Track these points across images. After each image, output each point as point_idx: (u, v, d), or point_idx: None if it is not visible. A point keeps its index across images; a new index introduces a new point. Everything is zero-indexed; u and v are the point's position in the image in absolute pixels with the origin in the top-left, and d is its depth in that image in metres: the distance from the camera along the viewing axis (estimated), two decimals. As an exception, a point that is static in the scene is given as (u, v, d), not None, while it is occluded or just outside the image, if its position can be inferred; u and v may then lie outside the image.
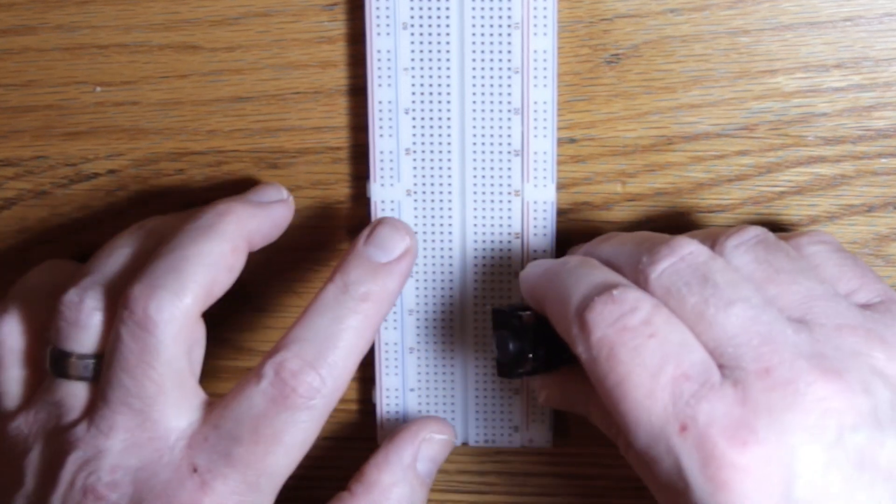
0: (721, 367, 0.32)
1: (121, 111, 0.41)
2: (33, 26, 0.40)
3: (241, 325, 0.40)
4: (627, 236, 0.37)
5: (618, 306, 0.33)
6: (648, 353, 0.32)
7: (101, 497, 0.35)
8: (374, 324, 0.37)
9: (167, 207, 0.41)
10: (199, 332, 0.37)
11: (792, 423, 0.31)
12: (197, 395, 0.36)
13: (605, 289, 0.33)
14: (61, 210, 0.42)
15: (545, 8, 0.38)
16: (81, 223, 0.42)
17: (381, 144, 0.40)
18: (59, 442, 0.36)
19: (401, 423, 0.41)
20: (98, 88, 0.41)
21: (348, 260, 0.37)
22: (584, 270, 0.35)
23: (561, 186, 0.40)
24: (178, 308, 0.35)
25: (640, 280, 0.34)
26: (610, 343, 0.32)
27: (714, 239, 0.35)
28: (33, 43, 0.41)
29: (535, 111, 0.39)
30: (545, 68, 0.39)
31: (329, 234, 0.42)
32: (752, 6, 0.39)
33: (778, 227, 0.40)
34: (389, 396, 0.42)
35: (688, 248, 0.34)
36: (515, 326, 0.37)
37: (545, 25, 0.39)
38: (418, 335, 0.41)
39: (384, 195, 0.40)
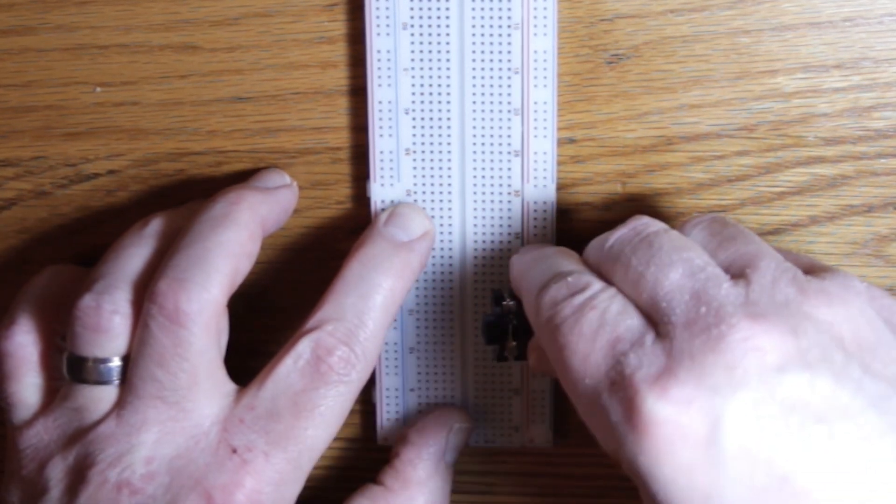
0: (656, 325, 0.32)
1: (121, 111, 0.41)
2: (33, 26, 0.40)
3: (241, 325, 0.40)
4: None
5: (567, 289, 0.34)
6: (586, 322, 0.33)
7: (138, 490, 0.35)
8: (398, 299, 0.38)
9: (167, 208, 0.41)
10: (225, 320, 0.38)
11: (713, 364, 0.30)
12: (227, 383, 0.37)
13: (562, 276, 0.34)
14: (61, 210, 0.42)
15: (545, 8, 0.38)
16: (81, 223, 0.42)
17: (381, 144, 0.40)
18: (85, 443, 0.36)
19: (413, 418, 0.42)
20: (98, 89, 0.41)
21: (369, 238, 0.39)
22: (553, 261, 0.36)
23: (561, 187, 0.40)
24: (206, 299, 0.36)
25: (601, 259, 0.35)
26: (555, 320, 0.33)
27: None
28: (33, 43, 0.41)
29: (535, 111, 0.39)
30: (545, 69, 0.39)
31: (329, 234, 0.42)
32: (752, 6, 0.39)
33: (778, 228, 0.40)
34: (389, 396, 0.42)
35: (641, 221, 0.35)
36: (498, 315, 0.38)
37: (545, 26, 0.39)
38: (418, 335, 0.41)
39: (384, 195, 0.40)
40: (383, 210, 0.40)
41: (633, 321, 0.32)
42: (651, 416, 0.30)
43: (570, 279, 0.34)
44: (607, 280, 0.34)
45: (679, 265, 0.33)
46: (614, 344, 0.32)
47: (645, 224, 0.35)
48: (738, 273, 0.33)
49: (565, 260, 0.36)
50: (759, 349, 0.30)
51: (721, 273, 0.33)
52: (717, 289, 0.32)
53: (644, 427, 0.30)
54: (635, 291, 0.33)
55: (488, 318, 0.39)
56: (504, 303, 0.38)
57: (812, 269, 0.33)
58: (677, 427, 0.30)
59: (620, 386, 0.31)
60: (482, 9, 0.39)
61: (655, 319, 0.32)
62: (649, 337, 0.32)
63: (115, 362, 0.37)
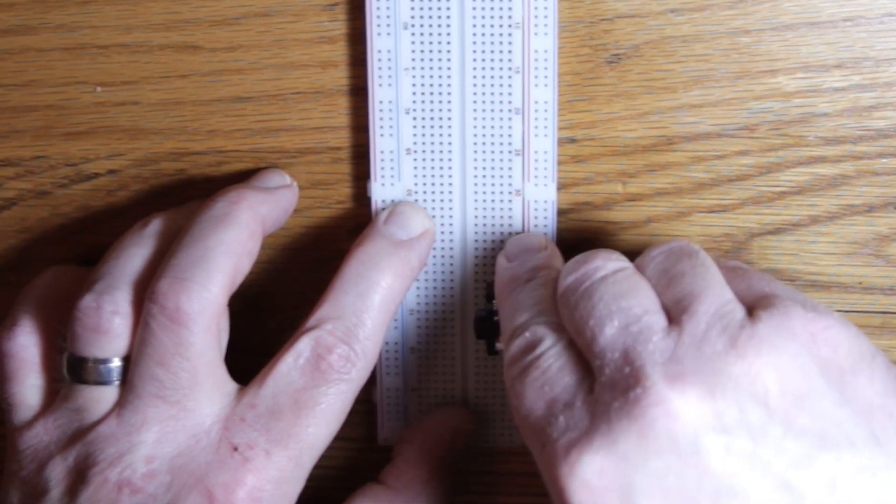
0: (594, 381, 0.32)
1: (121, 111, 0.41)
2: (34, 26, 0.40)
3: (241, 324, 0.40)
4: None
5: (524, 344, 0.34)
6: (529, 382, 0.33)
7: (138, 490, 0.35)
8: (397, 297, 0.38)
9: (168, 208, 0.41)
10: (225, 320, 0.38)
11: (626, 431, 0.30)
12: (227, 382, 0.37)
13: (523, 329, 0.35)
14: (62, 210, 0.42)
15: (546, 8, 0.38)
16: (82, 223, 0.42)
17: (381, 144, 0.40)
18: (85, 443, 0.36)
19: (415, 418, 0.42)
20: (98, 88, 0.41)
21: (369, 237, 0.39)
22: (525, 297, 0.36)
23: (561, 186, 0.40)
24: (207, 299, 0.36)
25: (558, 302, 0.35)
26: (510, 377, 0.34)
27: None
28: (34, 43, 0.41)
29: (536, 111, 0.39)
30: (546, 68, 0.39)
31: (329, 234, 0.42)
32: (752, 6, 0.39)
33: (778, 228, 0.40)
34: (390, 396, 0.42)
35: (593, 264, 0.34)
36: (490, 311, 0.39)
37: (546, 25, 0.39)
38: (419, 335, 0.41)
39: (385, 195, 0.40)
40: (383, 209, 0.40)
41: (569, 379, 0.32)
42: (566, 486, 0.30)
43: (527, 334, 0.34)
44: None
45: (616, 317, 0.32)
46: (551, 404, 0.32)
47: (595, 268, 0.34)
48: (677, 316, 0.32)
49: (538, 293, 0.36)
50: (672, 415, 0.30)
51: (656, 322, 0.32)
52: (646, 344, 0.31)
53: (562, 494, 0.30)
54: (581, 343, 0.33)
55: (480, 312, 0.39)
56: (494, 301, 0.38)
57: (759, 302, 0.32)
58: (591, 496, 0.30)
59: (546, 450, 0.31)
60: (483, 8, 0.39)
61: (595, 376, 0.32)
62: (580, 397, 0.31)
63: (115, 363, 0.37)
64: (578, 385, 0.32)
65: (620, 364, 0.31)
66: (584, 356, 0.33)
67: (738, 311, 0.32)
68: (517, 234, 0.40)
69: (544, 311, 0.35)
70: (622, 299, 0.33)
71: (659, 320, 0.32)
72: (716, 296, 0.32)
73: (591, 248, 0.40)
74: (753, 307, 0.32)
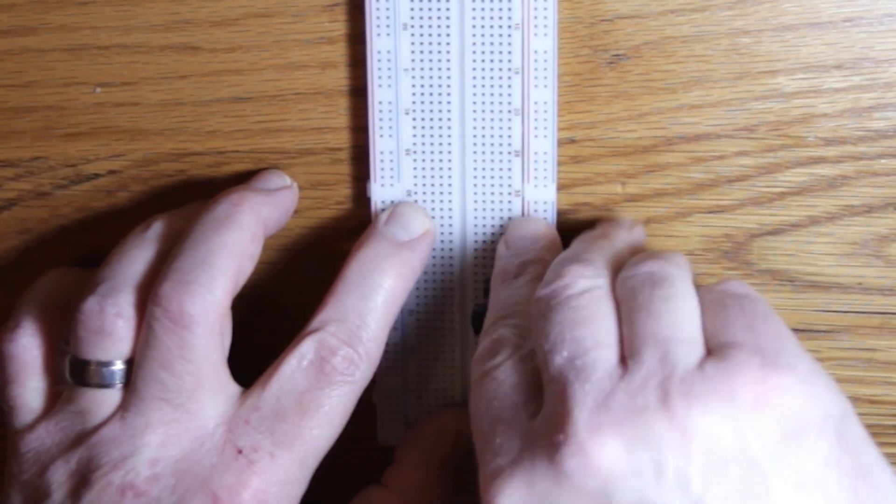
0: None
1: (121, 112, 0.41)
2: (34, 27, 0.40)
3: (243, 326, 0.40)
4: (579, 241, 0.38)
5: (491, 348, 0.34)
6: (483, 392, 0.33)
7: (142, 493, 0.35)
8: (399, 298, 0.38)
9: (168, 208, 0.41)
10: (228, 322, 0.38)
11: (545, 473, 0.30)
12: (230, 384, 0.37)
13: (492, 331, 0.35)
14: (62, 211, 0.42)
15: (545, 8, 0.38)
16: (82, 224, 0.42)
17: (381, 145, 0.40)
18: (88, 446, 0.36)
19: (416, 419, 0.42)
20: (98, 89, 0.41)
21: (370, 238, 0.39)
22: (504, 295, 0.36)
23: (561, 187, 0.40)
24: (210, 301, 0.36)
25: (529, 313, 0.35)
26: (473, 380, 0.34)
27: (620, 265, 0.35)
28: (33, 44, 0.41)
29: (536, 112, 0.39)
30: (545, 69, 0.39)
31: (330, 234, 0.42)
32: (752, 7, 0.39)
33: (778, 228, 0.40)
34: (390, 397, 0.42)
35: (565, 280, 0.34)
36: (480, 312, 0.38)
37: (545, 26, 0.39)
38: (419, 336, 0.41)
39: (385, 196, 0.40)
40: (383, 210, 0.40)
41: (517, 398, 0.32)
42: None
43: (494, 336, 0.34)
44: None
45: (566, 347, 0.32)
46: (495, 422, 0.32)
47: (564, 286, 0.34)
48: (626, 356, 0.32)
49: (519, 293, 0.36)
50: (588, 467, 0.30)
51: (603, 358, 0.31)
52: (583, 383, 0.31)
53: None
54: (538, 361, 0.33)
55: (477, 307, 0.39)
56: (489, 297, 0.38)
57: (717, 350, 0.31)
58: None
59: (480, 469, 0.32)
60: (482, 9, 0.39)
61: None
62: (520, 421, 0.32)
63: (118, 366, 0.37)
64: (524, 406, 0.32)
65: (557, 400, 0.31)
66: (539, 370, 0.33)
67: (687, 358, 0.31)
68: (519, 218, 0.40)
69: (518, 312, 0.35)
70: (577, 328, 0.32)
71: (607, 356, 0.32)
72: (665, 340, 0.31)
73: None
74: (711, 353, 0.31)
